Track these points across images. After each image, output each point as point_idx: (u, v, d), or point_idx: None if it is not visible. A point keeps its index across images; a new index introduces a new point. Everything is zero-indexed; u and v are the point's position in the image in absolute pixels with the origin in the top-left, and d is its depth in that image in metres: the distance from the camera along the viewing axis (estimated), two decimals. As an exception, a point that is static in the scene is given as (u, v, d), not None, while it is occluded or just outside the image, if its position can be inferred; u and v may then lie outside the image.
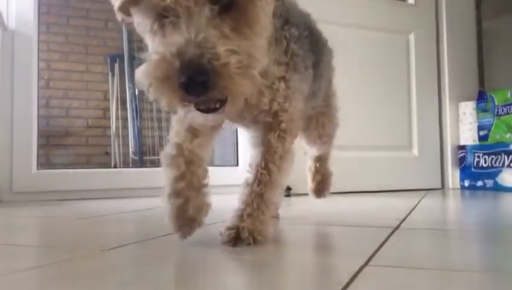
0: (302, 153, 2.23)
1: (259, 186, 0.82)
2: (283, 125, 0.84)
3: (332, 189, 2.13)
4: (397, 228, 1.02)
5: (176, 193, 0.80)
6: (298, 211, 1.56)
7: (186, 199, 0.80)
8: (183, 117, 0.77)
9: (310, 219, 1.30)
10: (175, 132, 0.85)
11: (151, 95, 0.63)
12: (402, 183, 2.34)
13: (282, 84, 0.82)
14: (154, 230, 1.02)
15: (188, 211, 0.80)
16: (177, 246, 0.81)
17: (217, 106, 0.64)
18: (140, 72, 0.63)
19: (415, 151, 2.44)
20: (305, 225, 1.17)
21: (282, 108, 0.83)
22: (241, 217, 0.81)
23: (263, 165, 0.83)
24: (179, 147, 0.83)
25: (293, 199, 1.97)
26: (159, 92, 0.62)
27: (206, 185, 0.84)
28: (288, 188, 2.10)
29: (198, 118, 0.66)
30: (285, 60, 0.83)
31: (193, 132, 0.84)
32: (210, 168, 0.87)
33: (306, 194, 2.08)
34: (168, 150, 0.83)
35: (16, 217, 1.44)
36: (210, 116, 0.65)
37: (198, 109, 0.64)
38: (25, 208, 1.65)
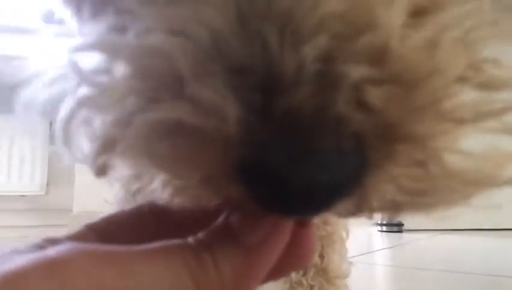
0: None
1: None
2: None
3: (447, 226, 2.03)
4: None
5: None
6: (411, 252, 1.52)
7: None
8: None
9: (425, 262, 1.26)
10: None
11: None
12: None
13: None
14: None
15: None
16: None
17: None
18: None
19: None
20: (420, 269, 1.13)
21: None
22: None
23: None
24: None
25: (405, 235, 1.92)
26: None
27: None
28: (400, 224, 2.05)
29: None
30: None
31: None
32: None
33: (421, 230, 2.01)
34: None
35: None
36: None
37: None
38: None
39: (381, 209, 0.17)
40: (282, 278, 0.55)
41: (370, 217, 0.18)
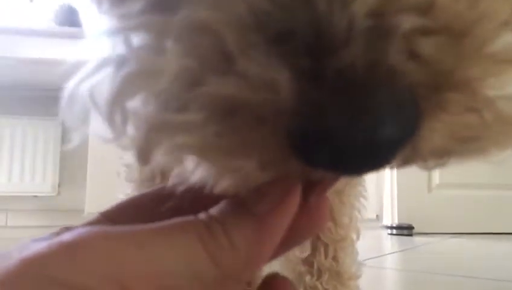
0: (424, 186, 2.16)
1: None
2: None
3: (457, 229, 2.01)
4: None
5: None
6: (422, 256, 1.51)
7: None
8: None
9: (436, 266, 1.25)
10: None
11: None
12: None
13: None
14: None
15: None
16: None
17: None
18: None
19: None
20: (431, 273, 1.12)
21: None
22: None
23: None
24: None
25: (415, 239, 1.90)
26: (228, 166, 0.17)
27: None
28: (410, 227, 2.03)
29: None
30: None
31: None
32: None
33: (432, 234, 1.99)
34: None
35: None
36: None
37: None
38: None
39: (434, 157, 0.17)
40: (297, 282, 0.56)
41: (421, 166, 0.18)
